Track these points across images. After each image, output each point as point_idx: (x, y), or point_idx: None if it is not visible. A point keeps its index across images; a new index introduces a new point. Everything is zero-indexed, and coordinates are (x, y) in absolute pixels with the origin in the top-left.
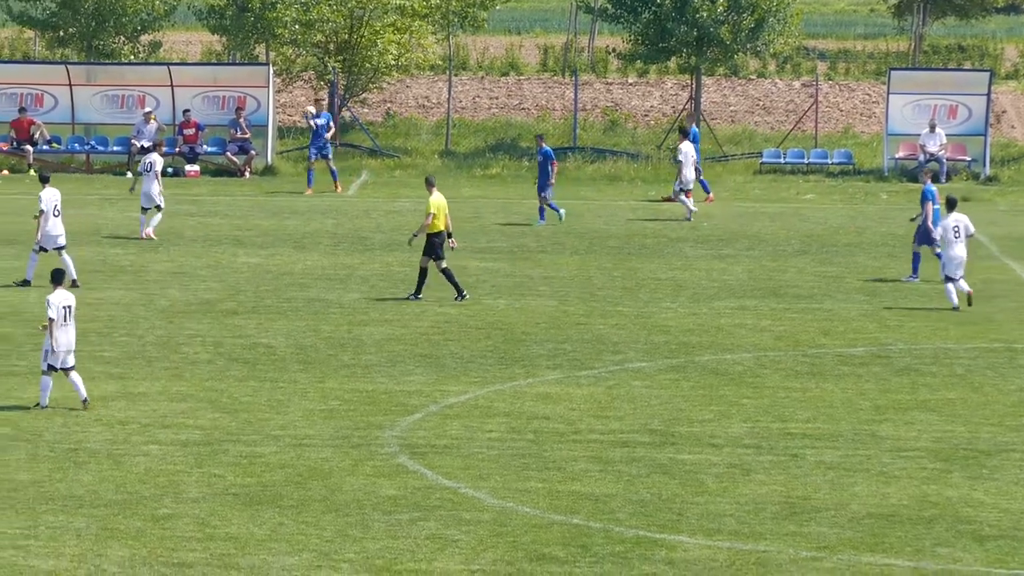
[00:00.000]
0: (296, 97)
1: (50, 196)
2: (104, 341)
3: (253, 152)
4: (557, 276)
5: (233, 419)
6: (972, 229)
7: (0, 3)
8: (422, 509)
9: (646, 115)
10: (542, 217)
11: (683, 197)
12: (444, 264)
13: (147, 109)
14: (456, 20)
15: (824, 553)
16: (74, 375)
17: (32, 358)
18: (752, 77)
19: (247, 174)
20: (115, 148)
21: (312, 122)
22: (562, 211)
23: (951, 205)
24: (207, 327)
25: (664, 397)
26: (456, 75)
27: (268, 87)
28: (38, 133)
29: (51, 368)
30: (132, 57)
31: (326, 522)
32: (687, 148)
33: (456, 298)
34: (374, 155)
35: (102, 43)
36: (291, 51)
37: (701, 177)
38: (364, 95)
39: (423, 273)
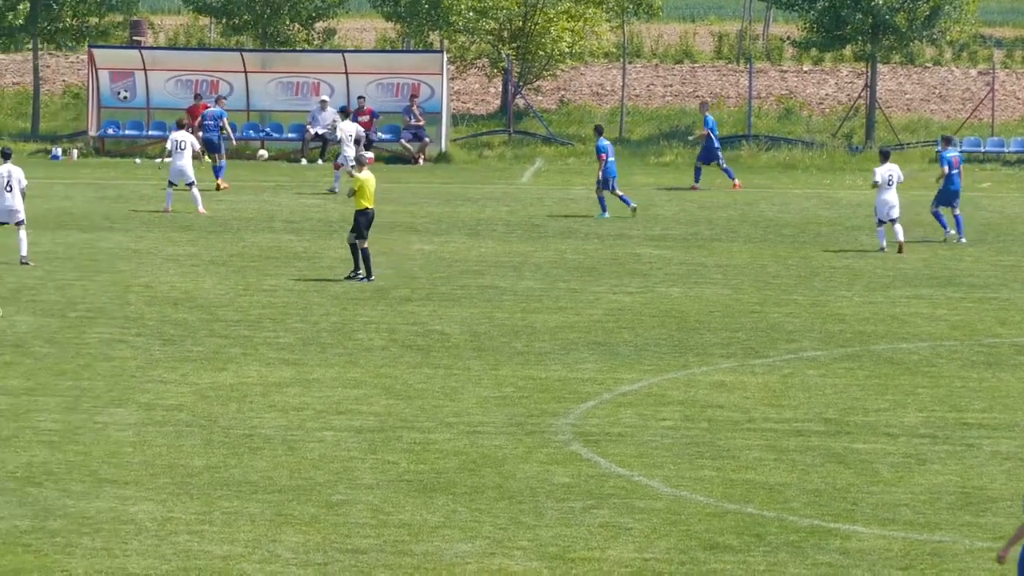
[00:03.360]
0: (470, 84)
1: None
2: (279, 327)
3: (427, 139)
4: (731, 264)
5: (407, 406)
6: None
7: None
8: (595, 497)
9: (821, 103)
10: (628, 202)
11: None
12: (365, 244)
13: (322, 96)
14: (630, 7)
15: (1000, 543)
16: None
17: (208, 343)
18: (928, 65)
19: (421, 161)
20: (289, 135)
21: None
22: (633, 203)
23: None
24: (381, 314)
25: (839, 386)
26: (630, 63)
27: (442, 74)
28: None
29: None
30: (307, 44)
31: (499, 509)
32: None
33: (356, 278)
34: (548, 143)
35: (277, 30)
36: (465, 38)
37: (724, 164)
38: (538, 83)
39: (354, 249)
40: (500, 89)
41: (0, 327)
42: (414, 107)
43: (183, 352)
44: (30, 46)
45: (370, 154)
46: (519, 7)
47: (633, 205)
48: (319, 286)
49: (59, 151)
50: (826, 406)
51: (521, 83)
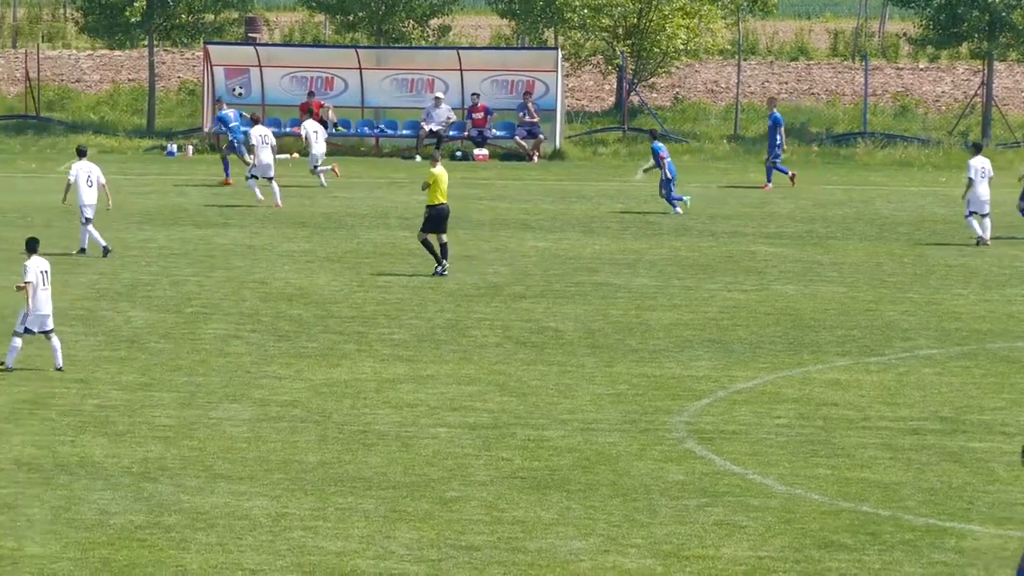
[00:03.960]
0: (585, 81)
1: (82, 168)
2: (393, 324)
3: (541, 136)
4: (846, 262)
5: (521, 402)
6: None
7: None
8: (709, 495)
9: (937, 100)
10: (675, 206)
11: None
12: (444, 239)
13: (437, 93)
14: (746, 4)
15: None
16: (54, 340)
17: (322, 340)
18: None
19: (535, 158)
20: (404, 132)
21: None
22: (687, 198)
23: None
24: (495, 310)
25: (955, 385)
26: (745, 59)
27: (557, 71)
28: (327, 116)
29: (27, 331)
30: (422, 41)
31: (613, 507)
32: (977, 163)
33: (441, 272)
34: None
35: (391, 27)
36: (580, 35)
37: (779, 163)
38: (652, 80)
39: (427, 246)
40: (614, 86)
41: (116, 323)
42: (528, 104)
43: (297, 348)
44: (146, 43)
45: (483, 152)
46: (634, 4)
47: (679, 211)
48: (433, 282)
49: (174, 147)
50: (942, 404)
51: (636, 80)
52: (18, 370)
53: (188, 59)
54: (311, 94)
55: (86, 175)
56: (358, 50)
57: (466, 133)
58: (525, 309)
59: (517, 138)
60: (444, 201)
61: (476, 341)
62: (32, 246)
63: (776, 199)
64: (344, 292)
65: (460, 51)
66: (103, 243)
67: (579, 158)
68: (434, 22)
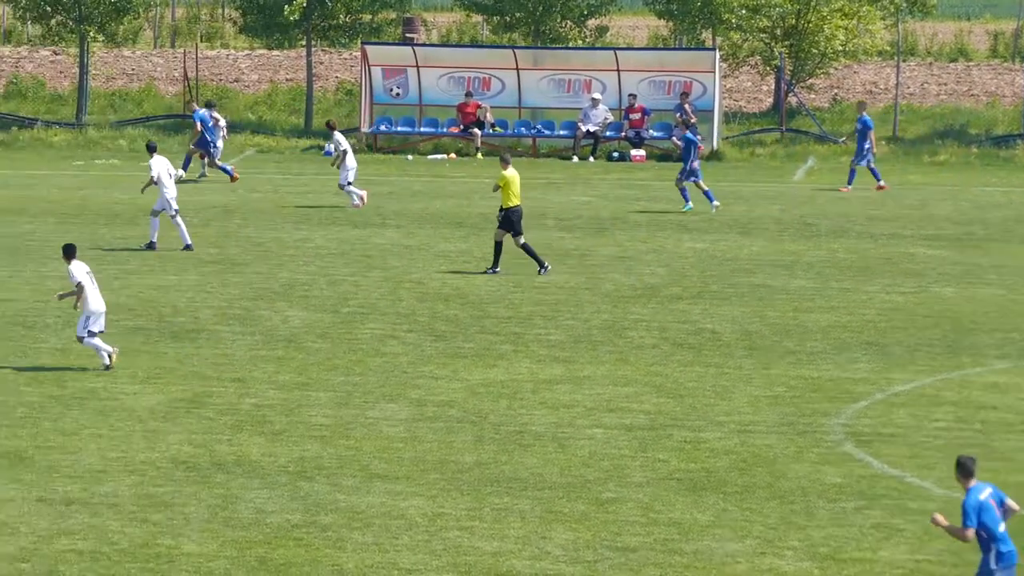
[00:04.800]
0: (742, 82)
1: (161, 163)
2: (550, 324)
3: (699, 137)
4: (1007, 265)
5: (677, 404)
6: None
7: None
8: (867, 497)
9: None
10: (713, 200)
11: None
12: (521, 240)
13: (594, 94)
14: (905, 5)
15: None
16: (98, 339)
17: (479, 340)
18: None
19: None
20: (561, 132)
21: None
22: (691, 205)
23: None
24: (652, 312)
25: None
26: (904, 61)
27: (714, 72)
28: (484, 116)
29: (91, 333)
30: (579, 42)
31: (770, 509)
32: None
33: (540, 271)
34: (821, 141)
35: (549, 27)
36: (738, 36)
37: (872, 164)
38: (811, 81)
39: (498, 247)
40: (772, 87)
41: (273, 322)
42: (686, 105)
43: (454, 348)
44: (304, 43)
45: (640, 152)
46: (792, 4)
47: (690, 207)
48: (590, 283)
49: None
50: None
51: (794, 81)
52: (175, 369)
53: (346, 59)
54: (468, 94)
55: (166, 170)
56: (515, 50)
57: (623, 134)
58: (682, 310)
59: (674, 139)
60: (518, 203)
61: (633, 342)
62: (70, 252)
63: (936, 200)
64: (501, 292)
65: (617, 52)
66: (188, 240)
67: (737, 159)
68: (592, 23)
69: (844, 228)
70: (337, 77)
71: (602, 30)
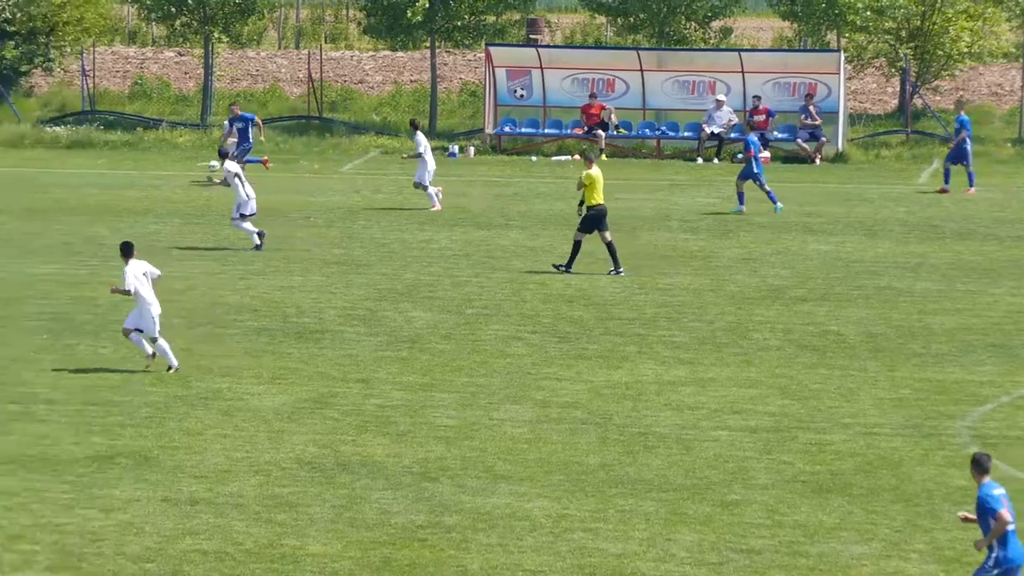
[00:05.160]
0: (867, 84)
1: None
2: (674, 326)
3: (823, 139)
4: None
5: (802, 406)
6: None
7: None
8: None
9: None
10: (742, 203)
11: None
12: (608, 238)
13: (718, 96)
14: None
15: None
16: (163, 342)
17: (603, 341)
18: None
19: (817, 161)
20: (685, 134)
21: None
22: (743, 207)
23: None
24: (776, 313)
25: None
26: None
27: (839, 74)
28: (609, 118)
29: (139, 330)
30: (703, 43)
31: (895, 511)
32: None
33: (611, 271)
34: (946, 143)
35: (673, 29)
36: (863, 38)
37: (970, 168)
38: (936, 82)
39: (576, 247)
40: (897, 89)
41: (398, 323)
42: (810, 106)
43: (578, 350)
44: (428, 44)
45: (765, 154)
46: (917, 6)
47: (742, 208)
48: (715, 285)
49: (456, 149)
50: None
51: (919, 83)
52: (299, 370)
53: (470, 60)
54: (592, 96)
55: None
56: (639, 52)
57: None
58: (807, 312)
59: (799, 140)
60: (602, 202)
61: (757, 344)
62: (128, 251)
63: None
64: (625, 294)
65: (742, 53)
66: (258, 240)
67: (861, 161)
68: (716, 24)
69: (970, 230)
70: (461, 78)
71: (726, 31)
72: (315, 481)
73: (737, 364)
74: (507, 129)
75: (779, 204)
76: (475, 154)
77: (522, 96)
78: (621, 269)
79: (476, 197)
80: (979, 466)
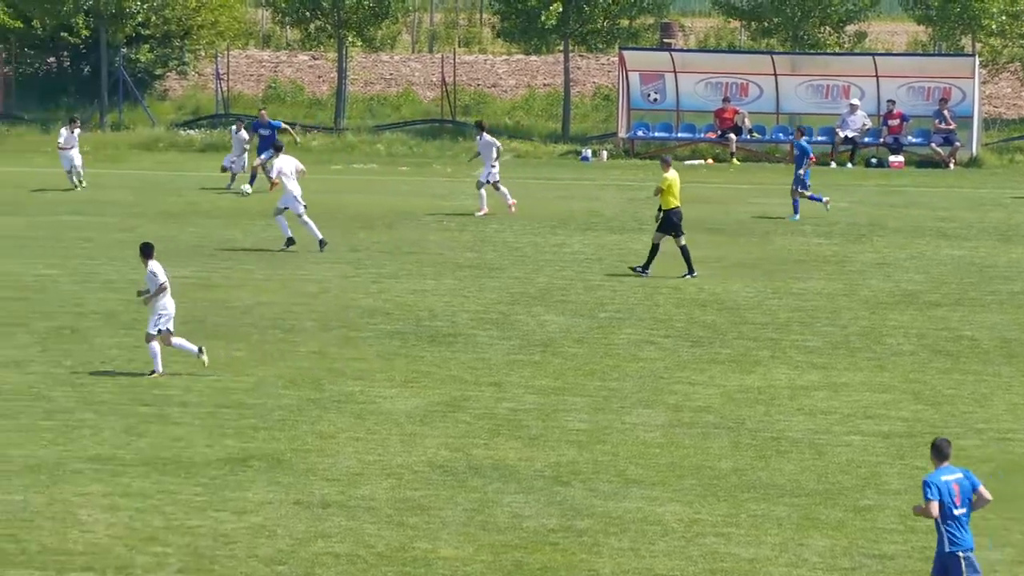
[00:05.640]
0: (1002, 88)
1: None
2: (807, 331)
3: (958, 143)
4: None
5: (935, 411)
6: None
7: None
8: None
9: None
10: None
11: None
12: (683, 241)
13: (852, 100)
14: None
15: None
16: (175, 339)
17: (736, 346)
18: None
19: (951, 165)
20: (819, 138)
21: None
22: (825, 199)
23: None
24: (910, 318)
25: None
26: None
27: (973, 78)
28: (742, 122)
29: (160, 332)
30: (837, 47)
31: None
32: None
33: (685, 275)
34: None
35: (807, 33)
36: (998, 42)
37: None
38: None
39: (655, 250)
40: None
41: (530, 327)
42: (944, 111)
43: (711, 354)
44: (561, 48)
45: (899, 159)
46: None
47: (825, 199)
48: (848, 289)
49: (588, 152)
50: None
51: None
52: (432, 373)
53: (603, 64)
54: (726, 100)
55: (294, 168)
56: (773, 56)
57: (881, 140)
58: (941, 317)
59: (933, 145)
60: (678, 205)
61: (891, 349)
62: (148, 251)
63: None
64: (758, 299)
65: (876, 57)
66: (320, 235)
67: (996, 165)
68: (850, 28)
69: None
70: (594, 82)
71: (860, 35)
72: (447, 484)
73: (870, 369)
74: (640, 133)
75: (797, 216)
76: (608, 158)
77: (655, 100)
78: (695, 272)
79: (609, 201)
80: (938, 451)
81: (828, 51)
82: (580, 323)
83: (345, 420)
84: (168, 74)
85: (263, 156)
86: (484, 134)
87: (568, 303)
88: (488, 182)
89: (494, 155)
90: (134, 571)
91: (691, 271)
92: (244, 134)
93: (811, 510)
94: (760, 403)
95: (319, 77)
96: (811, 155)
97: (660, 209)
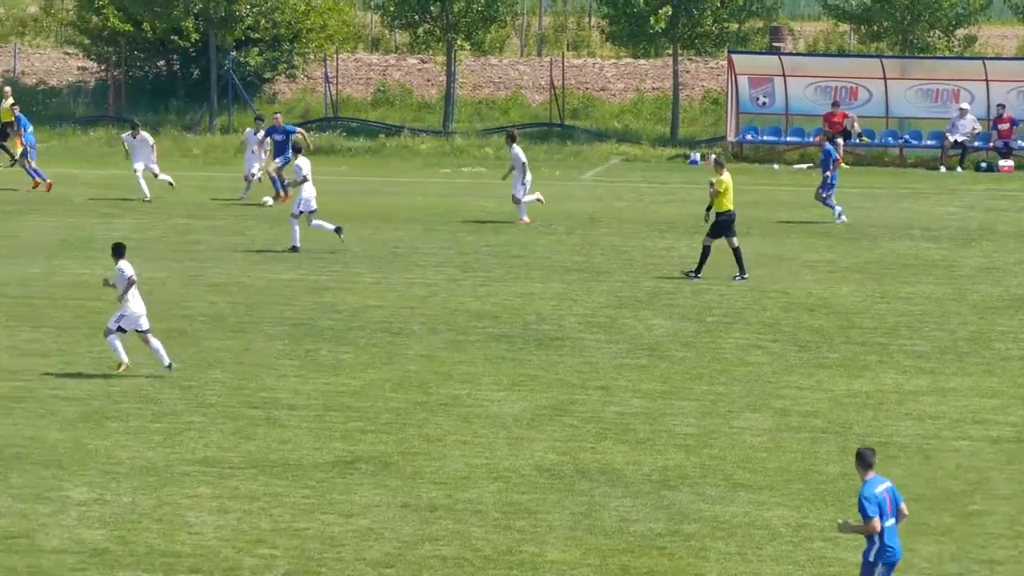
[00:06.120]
0: None
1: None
2: (915, 335)
3: None
4: None
5: None
6: None
7: None
8: None
9: None
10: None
11: None
12: (735, 243)
13: (962, 104)
14: None
15: None
16: (153, 341)
17: (844, 350)
18: None
19: None
20: (928, 142)
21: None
22: (839, 209)
23: None
24: (1019, 323)
25: None
26: None
27: None
28: (851, 126)
29: (120, 330)
30: (946, 51)
31: None
32: None
33: (736, 277)
34: None
35: (916, 37)
36: None
37: None
38: None
39: (705, 253)
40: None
41: (637, 331)
42: None
43: (818, 358)
44: (670, 51)
45: (1008, 163)
46: None
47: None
48: (957, 294)
49: (697, 156)
50: None
51: None
52: (539, 377)
53: (712, 68)
54: (835, 104)
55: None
56: (883, 60)
57: (991, 144)
58: None
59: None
60: (732, 208)
61: (999, 354)
62: (120, 251)
63: None
64: (866, 303)
65: (986, 61)
66: (296, 244)
67: None
68: (960, 32)
69: None
70: (703, 86)
71: (970, 39)
72: (554, 488)
73: (979, 374)
74: (749, 137)
75: (843, 217)
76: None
77: (764, 104)
78: (746, 275)
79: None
80: (862, 460)
81: (938, 55)
82: (687, 327)
83: (452, 423)
84: (277, 77)
85: (278, 161)
86: (515, 146)
87: (675, 307)
88: (520, 196)
89: (523, 167)
90: (242, 573)
91: (742, 273)
92: (258, 135)
93: (919, 515)
94: (868, 408)
95: (428, 80)
96: (837, 157)
97: (709, 210)
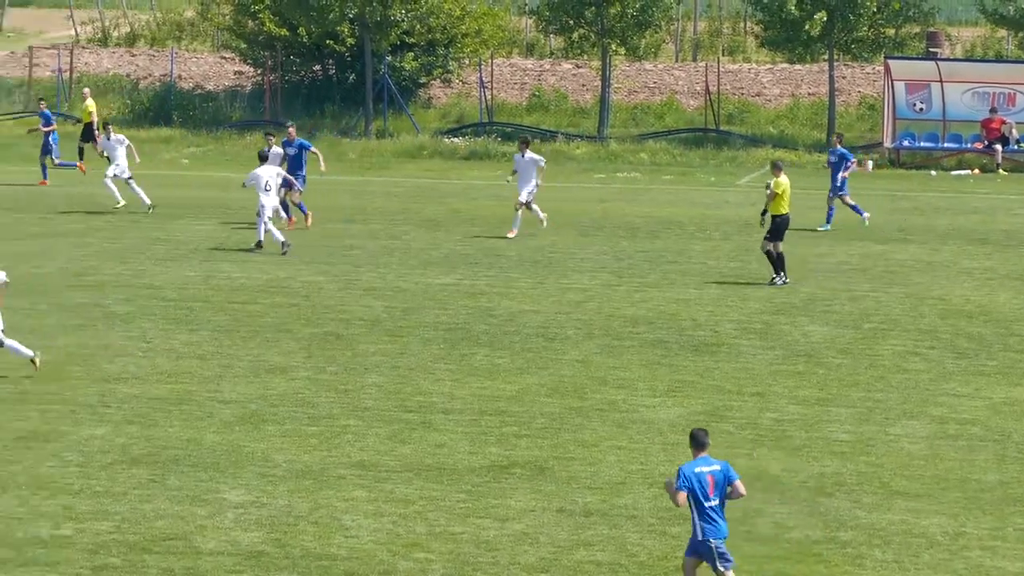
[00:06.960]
0: None
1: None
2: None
3: None
4: None
5: None
6: None
7: (975, 1)
8: None
9: None
10: (861, 212)
11: None
12: (780, 248)
13: None
14: None
15: None
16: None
17: (1002, 358)
18: None
19: None
20: None
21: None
22: (866, 214)
23: None
24: None
25: None
26: None
27: None
28: (1009, 132)
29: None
30: None
31: None
32: None
33: (774, 280)
34: None
35: None
36: None
37: None
38: None
39: (770, 256)
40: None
41: (794, 337)
42: None
43: (977, 366)
44: (826, 57)
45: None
46: None
47: (867, 217)
48: None
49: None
50: None
51: None
52: (695, 383)
53: (868, 73)
54: (993, 110)
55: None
56: None
57: None
58: None
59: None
60: (788, 212)
61: None
62: None
63: None
64: None
65: None
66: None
67: None
68: None
69: None
70: (859, 91)
71: None
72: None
73: None
74: (906, 143)
75: (865, 215)
76: (873, 168)
77: (921, 110)
78: (785, 280)
79: (874, 211)
80: (695, 441)
81: None
82: (844, 333)
83: (607, 429)
84: (432, 82)
85: (299, 186)
86: (527, 151)
87: (832, 313)
88: (525, 202)
89: (535, 173)
90: None
91: (778, 277)
92: (278, 150)
93: None
94: None
95: (583, 85)
96: (852, 160)
97: (764, 213)
